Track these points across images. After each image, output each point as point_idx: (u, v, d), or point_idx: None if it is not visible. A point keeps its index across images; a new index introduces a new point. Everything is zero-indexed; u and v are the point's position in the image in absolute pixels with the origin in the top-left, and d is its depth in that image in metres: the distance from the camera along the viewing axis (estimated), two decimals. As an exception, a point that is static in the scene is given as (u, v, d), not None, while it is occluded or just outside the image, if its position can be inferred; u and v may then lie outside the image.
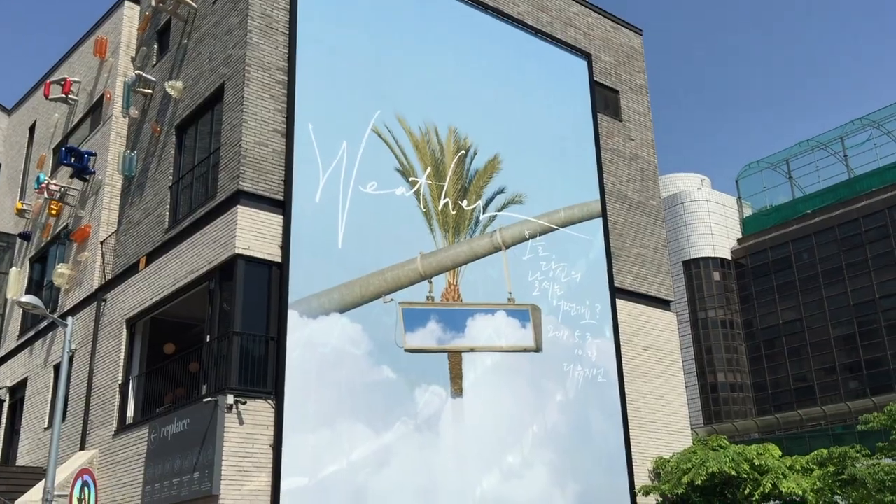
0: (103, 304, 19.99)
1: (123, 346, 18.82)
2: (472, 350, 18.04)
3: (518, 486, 17.48)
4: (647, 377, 21.17)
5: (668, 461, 19.51)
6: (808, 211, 59.39)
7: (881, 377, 50.87)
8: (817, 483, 17.67)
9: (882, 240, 53.44)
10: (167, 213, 18.72)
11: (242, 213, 16.13)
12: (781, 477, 17.42)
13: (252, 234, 16.13)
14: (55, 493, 10.81)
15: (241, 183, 16.24)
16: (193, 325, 19.27)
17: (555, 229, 20.36)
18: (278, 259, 16.26)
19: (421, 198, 18.47)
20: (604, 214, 21.58)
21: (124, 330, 18.94)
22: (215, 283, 16.53)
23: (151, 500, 15.84)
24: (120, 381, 18.47)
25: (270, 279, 16.19)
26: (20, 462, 21.99)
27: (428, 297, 17.90)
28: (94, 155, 21.83)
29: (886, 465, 17.32)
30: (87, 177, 21.85)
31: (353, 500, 15.35)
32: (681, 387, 22.11)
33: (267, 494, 14.72)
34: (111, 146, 21.48)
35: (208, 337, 16.40)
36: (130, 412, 18.17)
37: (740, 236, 63.41)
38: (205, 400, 15.14)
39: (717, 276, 61.06)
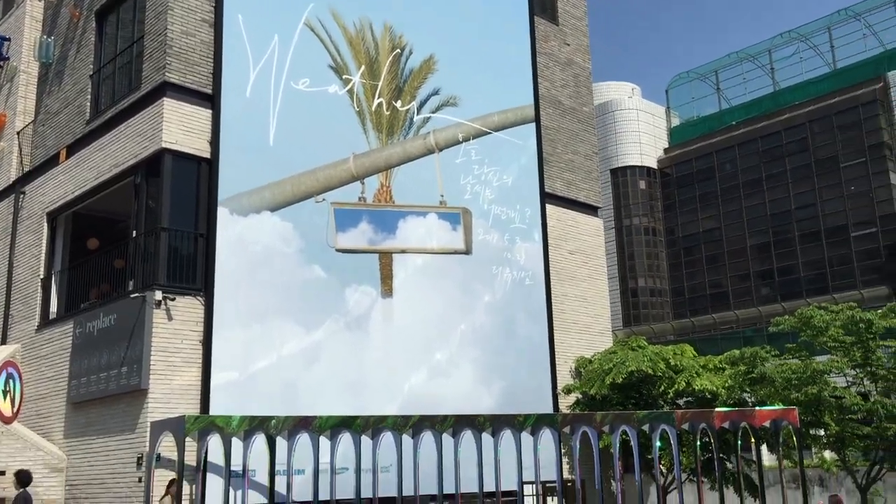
0: (22, 196, 19.34)
1: (44, 241, 18.35)
2: (403, 251, 18.17)
3: (445, 384, 17.96)
4: (573, 280, 21.72)
5: (590, 361, 20.26)
6: (733, 122, 60.50)
7: (792, 284, 53.21)
8: (729, 381, 18.66)
9: (801, 153, 55.00)
10: (88, 103, 18.00)
11: (169, 105, 15.63)
12: (695, 375, 18.32)
13: (179, 127, 15.70)
14: (-21, 386, 10.65)
15: (167, 74, 15.68)
16: (118, 221, 18.85)
17: (488, 133, 20.34)
18: (207, 155, 15.91)
19: (354, 97, 18.16)
20: (537, 120, 21.62)
21: (45, 224, 18.43)
22: (141, 177, 16.12)
23: (78, 393, 15.79)
24: (42, 276, 18.08)
25: (199, 175, 15.88)
26: (-62, 357, 21.51)
27: (360, 198, 17.84)
28: (8, 40, 20.69)
29: (794, 365, 18.38)
30: (2, 63, 20.74)
31: (284, 393, 15.58)
32: (604, 290, 22.77)
33: (197, 389, 14.82)
34: (26, 31, 20.36)
35: (134, 233, 16.10)
36: (53, 307, 17.87)
37: (667, 146, 64.40)
38: (132, 296, 14.98)
39: (642, 184, 62.17)
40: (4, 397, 11.27)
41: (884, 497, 23.93)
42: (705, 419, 16.21)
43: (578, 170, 22.94)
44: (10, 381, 11.41)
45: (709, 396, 18.57)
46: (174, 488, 13.08)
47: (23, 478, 12.90)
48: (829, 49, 59.51)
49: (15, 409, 11.58)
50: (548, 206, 21.33)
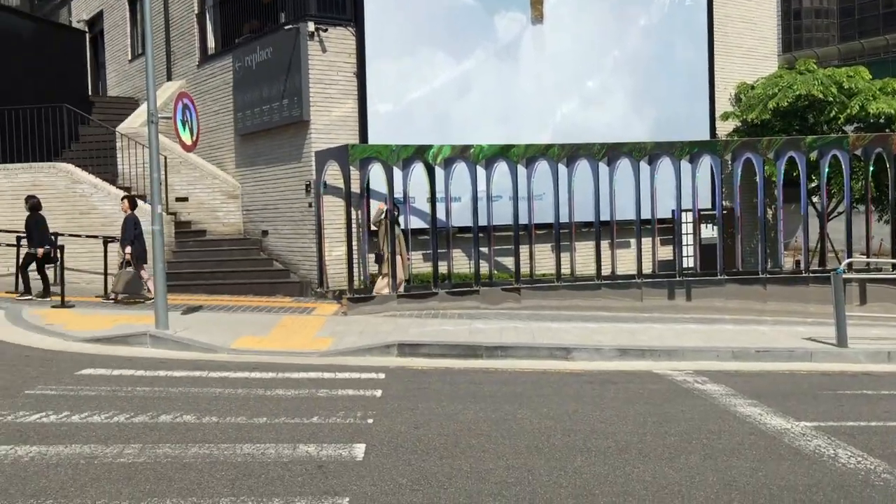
0: (167, -71, 19.11)
1: (194, -25, 18.32)
2: (554, -28, 17.08)
3: (597, 112, 17.55)
4: (736, 0, 20.01)
5: (752, 87, 19.14)
6: None
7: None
8: (908, 104, 17.26)
9: None
10: None
11: None
12: (871, 98, 17.01)
13: None
14: (159, 115, 11.19)
15: None
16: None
17: None
18: None
19: None
20: None
21: (193, -43, 18.30)
22: None
23: (244, 125, 16.50)
24: (196, 11, 18.27)
25: None
26: (111, 93, 22.80)
27: (508, -86, 16.59)
28: None
29: None
30: None
31: (437, 122, 15.69)
32: (771, 9, 20.92)
33: (354, 119, 15.12)
34: None
35: (280, -38, 15.77)
36: (211, 43, 18.22)
37: None
38: (286, 27, 14.98)
39: None
40: (184, 127, 11.86)
41: None
42: (883, 143, 15.29)
43: None
44: (187, 111, 11.92)
45: (883, 122, 17.35)
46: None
47: (133, 202, 14.00)
48: None
49: (194, 138, 12.20)
50: (712, -84, 19.19)
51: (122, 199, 14.25)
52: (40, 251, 13.91)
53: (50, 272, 14.33)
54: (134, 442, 5.97)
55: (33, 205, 14.23)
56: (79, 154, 17.67)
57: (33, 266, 14.15)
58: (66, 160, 16.88)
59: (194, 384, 8.21)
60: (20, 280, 14.18)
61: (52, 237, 14.16)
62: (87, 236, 14.95)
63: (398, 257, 13.86)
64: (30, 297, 13.97)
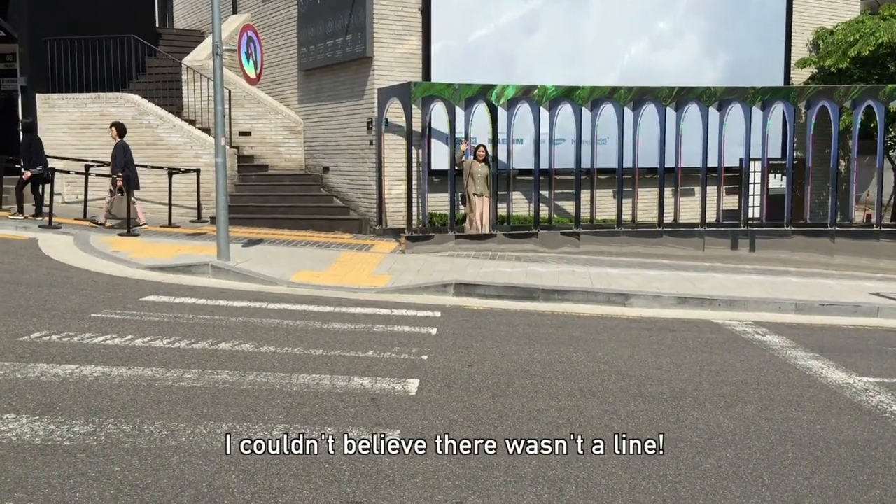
0: None
1: None
2: None
3: (667, 56, 17.03)
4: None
5: (832, 32, 18.32)
6: None
7: None
8: None
9: None
10: None
11: None
12: (960, 49, 16.16)
13: None
14: (223, 47, 11.20)
15: None
16: None
17: None
18: None
19: None
20: None
21: None
22: None
23: (307, 61, 16.46)
24: (262, -56, 18.18)
25: None
26: (177, 25, 22.94)
27: None
28: None
29: None
30: None
31: (501, 62, 15.42)
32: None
33: (418, 57, 14.94)
34: None
35: None
36: (276, -24, 18.12)
37: None
38: (351, -39, 14.79)
39: None
40: (248, 60, 11.86)
41: None
42: (968, 96, 14.56)
43: None
44: (251, 44, 11.89)
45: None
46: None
47: (121, 129, 14.02)
48: None
49: (258, 72, 12.20)
50: None
51: (111, 127, 14.16)
52: (27, 174, 14.05)
53: (44, 194, 14.41)
54: (194, 367, 6.11)
55: (27, 126, 14.39)
56: (145, 86, 17.90)
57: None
58: (133, 91, 17.14)
59: (253, 315, 8.35)
60: (19, 200, 14.32)
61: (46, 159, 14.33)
62: (153, 167, 15.21)
63: (477, 198, 13.80)
64: (22, 216, 14.13)
